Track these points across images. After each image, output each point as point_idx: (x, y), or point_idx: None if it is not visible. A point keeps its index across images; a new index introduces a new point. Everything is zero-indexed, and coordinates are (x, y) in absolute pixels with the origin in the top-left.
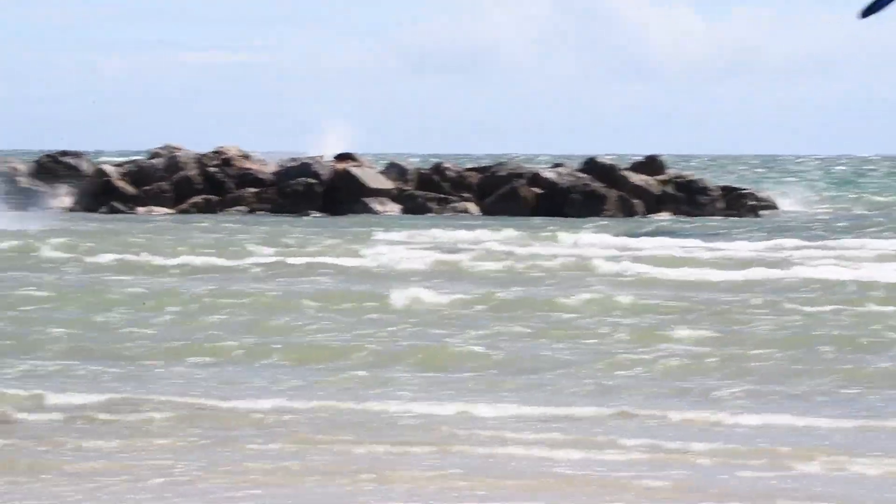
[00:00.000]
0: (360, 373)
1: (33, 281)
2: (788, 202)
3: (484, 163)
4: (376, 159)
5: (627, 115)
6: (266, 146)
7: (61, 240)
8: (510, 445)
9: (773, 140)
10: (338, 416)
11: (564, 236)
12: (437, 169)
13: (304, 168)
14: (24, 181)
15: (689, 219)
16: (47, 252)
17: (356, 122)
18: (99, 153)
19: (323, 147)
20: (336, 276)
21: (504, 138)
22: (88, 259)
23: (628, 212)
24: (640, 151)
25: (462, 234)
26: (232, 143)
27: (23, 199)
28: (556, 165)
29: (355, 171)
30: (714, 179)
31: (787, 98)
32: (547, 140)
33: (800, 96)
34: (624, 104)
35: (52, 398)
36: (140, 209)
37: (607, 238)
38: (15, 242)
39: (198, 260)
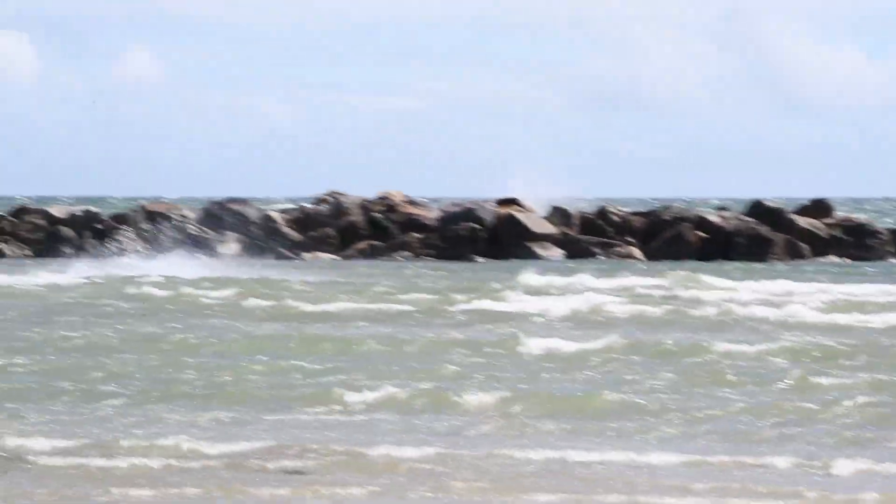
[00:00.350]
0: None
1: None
2: None
3: (650, 206)
4: (540, 202)
5: (795, 156)
6: (438, 190)
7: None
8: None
9: None
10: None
11: (722, 282)
12: (601, 213)
13: (467, 213)
14: (192, 228)
15: (857, 263)
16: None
17: (528, 163)
18: (267, 200)
19: (510, 190)
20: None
21: (671, 179)
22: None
23: (795, 255)
24: (809, 194)
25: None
26: (399, 189)
27: (191, 245)
28: (721, 209)
29: (518, 215)
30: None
31: None
32: (713, 181)
33: None
34: (791, 145)
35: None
36: (305, 255)
37: (767, 284)
38: (227, 292)
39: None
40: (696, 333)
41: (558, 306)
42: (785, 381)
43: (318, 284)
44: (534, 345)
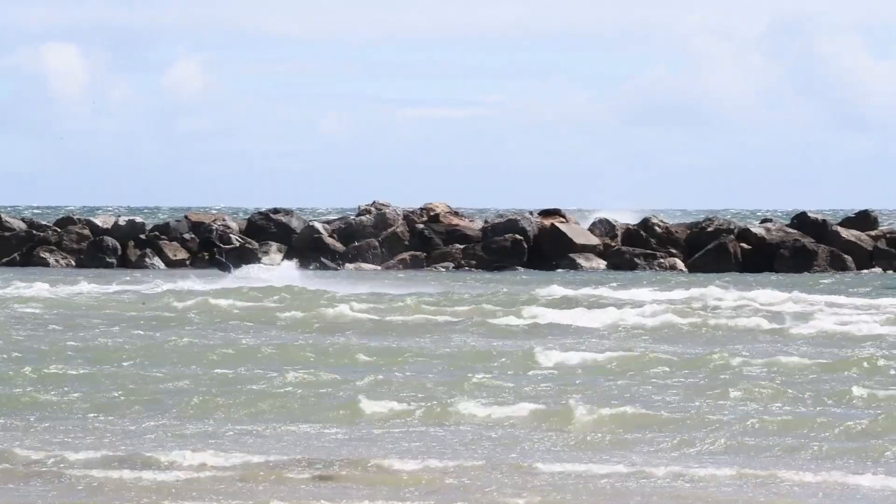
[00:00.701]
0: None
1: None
2: None
3: (698, 217)
4: (582, 215)
5: (845, 169)
6: (488, 202)
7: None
8: None
9: None
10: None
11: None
12: (645, 224)
13: (511, 224)
14: (235, 238)
15: None
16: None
17: (573, 175)
18: (313, 211)
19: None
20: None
21: (720, 192)
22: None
23: (839, 267)
24: (859, 207)
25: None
26: (443, 200)
27: (235, 256)
28: (765, 221)
29: (562, 226)
30: None
31: None
32: (763, 193)
33: None
34: (842, 157)
35: None
36: (349, 265)
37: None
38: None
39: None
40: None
41: (585, 319)
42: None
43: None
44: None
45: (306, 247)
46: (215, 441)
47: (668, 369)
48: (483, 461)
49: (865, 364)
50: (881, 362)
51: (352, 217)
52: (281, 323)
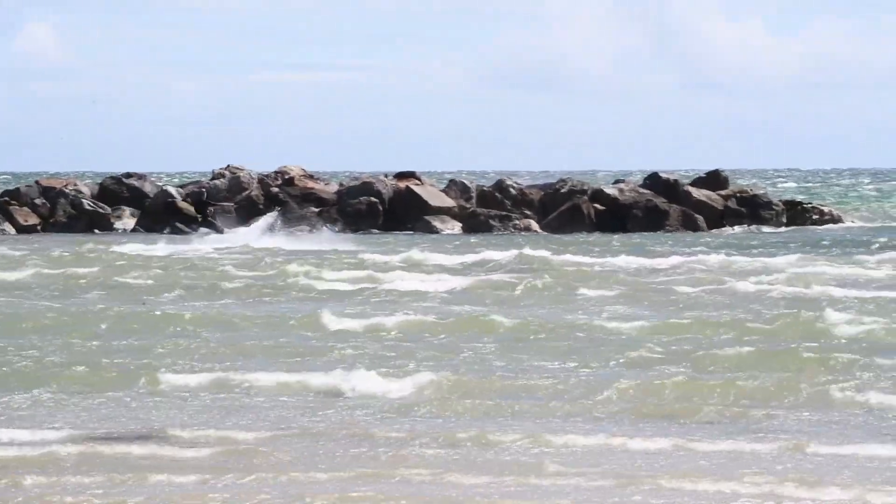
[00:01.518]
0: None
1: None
2: (854, 216)
3: (551, 179)
4: (441, 178)
5: (699, 130)
6: (342, 165)
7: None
8: None
9: (852, 152)
10: None
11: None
12: (500, 186)
13: (366, 187)
14: (87, 203)
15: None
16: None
17: (430, 138)
18: (167, 175)
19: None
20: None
21: (577, 153)
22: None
23: (691, 227)
24: (712, 167)
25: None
26: (300, 164)
27: (86, 221)
28: (618, 181)
29: (417, 189)
30: (796, 194)
31: (860, 110)
32: (617, 153)
33: (875, 108)
34: (695, 118)
35: None
36: (203, 230)
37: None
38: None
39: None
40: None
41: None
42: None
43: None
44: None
45: (160, 211)
46: None
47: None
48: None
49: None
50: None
51: (206, 181)
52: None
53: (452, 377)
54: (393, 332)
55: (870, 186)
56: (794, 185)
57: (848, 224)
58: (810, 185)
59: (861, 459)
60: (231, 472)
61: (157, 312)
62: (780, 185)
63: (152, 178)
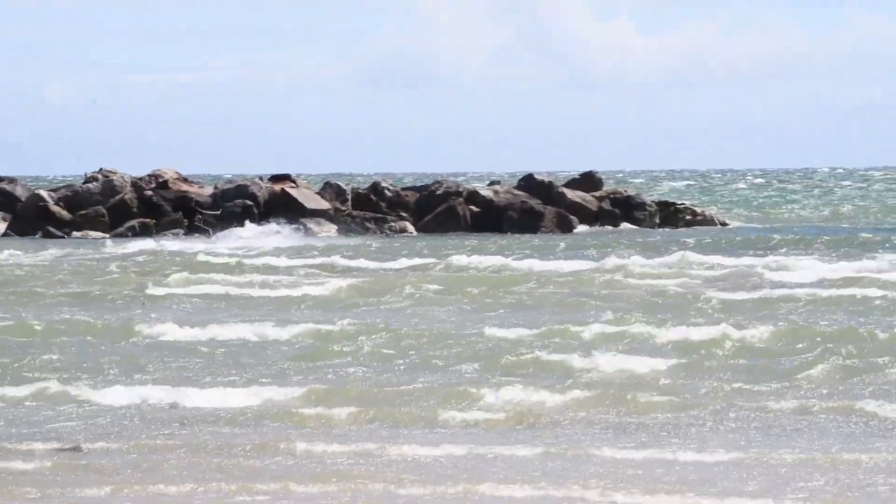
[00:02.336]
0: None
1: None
2: (727, 216)
3: (430, 180)
4: (319, 179)
5: (572, 127)
6: (219, 167)
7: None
8: None
9: (721, 152)
10: None
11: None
12: (375, 188)
13: (240, 190)
14: None
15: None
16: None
17: (306, 139)
18: (38, 179)
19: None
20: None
21: (451, 153)
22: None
23: (566, 228)
24: (585, 166)
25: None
26: (175, 167)
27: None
28: (493, 183)
29: (292, 191)
30: (669, 194)
31: (731, 109)
32: (493, 153)
33: (744, 107)
34: (567, 116)
35: None
36: (76, 234)
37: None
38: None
39: None
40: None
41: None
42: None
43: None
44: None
45: (32, 215)
46: None
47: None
48: None
49: None
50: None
51: (78, 185)
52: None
53: (303, 390)
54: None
55: (745, 185)
56: (682, 184)
57: (726, 225)
58: (691, 184)
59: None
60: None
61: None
62: (665, 185)
63: (24, 183)
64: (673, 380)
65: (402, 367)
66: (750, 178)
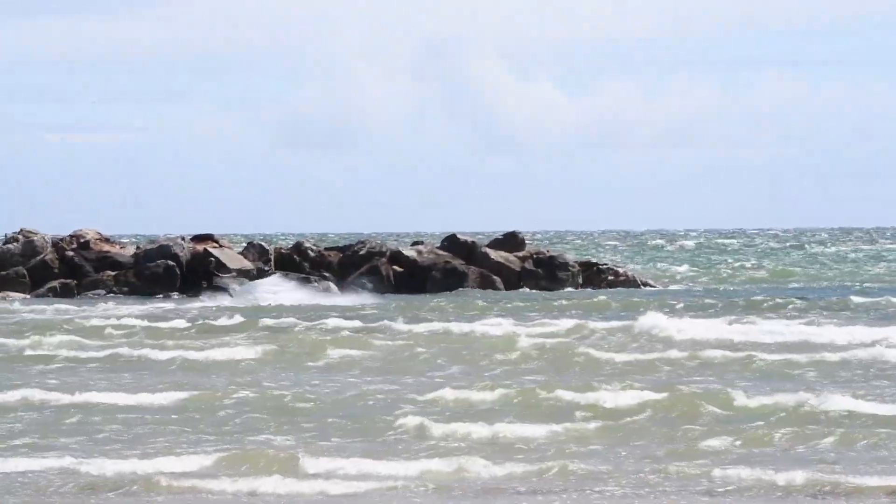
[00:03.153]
0: None
1: None
2: (649, 277)
3: (352, 240)
4: (244, 239)
5: (494, 190)
6: (136, 229)
7: None
8: None
9: (642, 211)
10: None
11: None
12: (298, 248)
13: (163, 250)
14: None
15: (548, 294)
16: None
17: (225, 200)
18: None
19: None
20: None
21: (372, 213)
22: None
23: (488, 287)
24: (507, 226)
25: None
26: (95, 227)
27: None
28: (417, 243)
29: (214, 251)
30: (586, 255)
31: (653, 170)
32: (414, 214)
33: (667, 167)
34: (489, 179)
35: None
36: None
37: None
38: None
39: None
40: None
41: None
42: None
43: None
44: None
45: None
46: None
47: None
48: None
49: None
50: None
51: None
52: None
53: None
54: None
55: (674, 245)
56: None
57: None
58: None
59: None
60: None
61: None
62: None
63: None
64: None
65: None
66: (689, 236)
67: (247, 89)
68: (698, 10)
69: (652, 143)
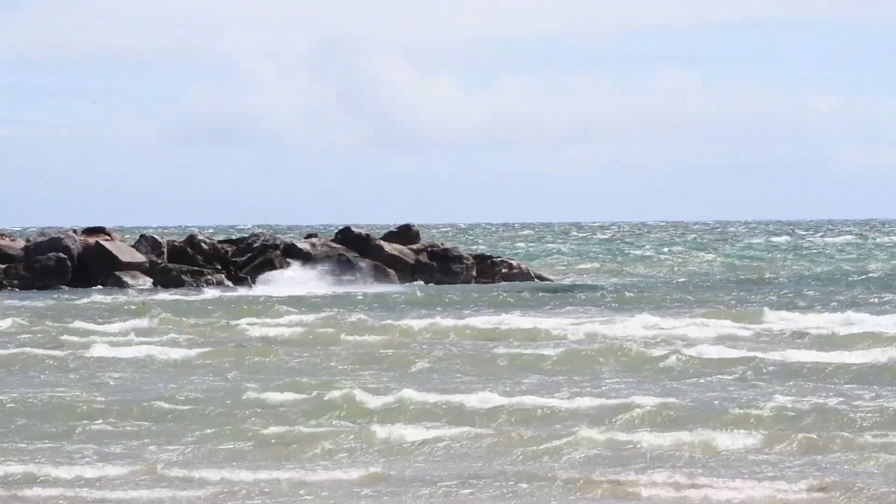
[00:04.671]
0: None
1: None
2: (546, 270)
3: (246, 233)
4: (133, 232)
5: (391, 185)
6: (27, 221)
7: None
8: None
9: (541, 206)
10: None
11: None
12: (191, 241)
13: (54, 242)
14: None
15: (440, 287)
16: None
17: (120, 195)
18: None
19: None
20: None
21: (269, 209)
22: None
23: (383, 281)
24: (404, 221)
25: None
26: None
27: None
28: (311, 236)
29: (107, 244)
30: (486, 247)
31: (552, 165)
32: (311, 210)
33: (563, 163)
34: (387, 174)
35: None
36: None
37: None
38: None
39: None
40: None
41: None
42: None
43: None
44: None
45: None
46: None
47: None
48: None
49: None
50: None
51: None
52: None
53: None
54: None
55: (566, 241)
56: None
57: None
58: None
59: None
60: None
61: None
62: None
63: None
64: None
65: None
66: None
67: (140, 86)
68: (595, 8)
69: (549, 140)
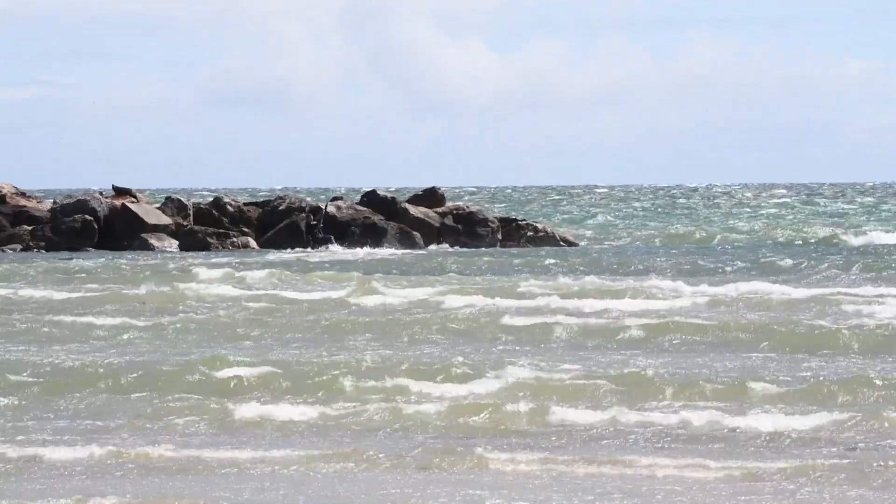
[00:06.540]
0: None
1: None
2: (571, 233)
3: (273, 196)
4: (161, 195)
5: (424, 149)
6: (57, 183)
7: None
8: None
9: (570, 171)
10: None
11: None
12: (217, 204)
13: (80, 204)
14: None
15: (467, 250)
16: None
17: (152, 157)
18: None
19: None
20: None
21: (301, 172)
22: None
23: (408, 244)
24: (438, 184)
25: None
26: (11, 181)
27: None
28: (336, 199)
29: (133, 206)
30: (512, 210)
31: (582, 129)
32: (342, 173)
33: (595, 127)
34: (419, 137)
35: None
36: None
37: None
38: None
39: None
40: None
41: None
42: None
43: None
44: None
45: None
46: None
47: None
48: None
49: None
50: None
51: None
52: None
53: None
54: None
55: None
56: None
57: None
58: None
59: None
60: None
61: None
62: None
63: None
64: None
65: None
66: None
67: (175, 49)
68: None
69: (582, 102)
